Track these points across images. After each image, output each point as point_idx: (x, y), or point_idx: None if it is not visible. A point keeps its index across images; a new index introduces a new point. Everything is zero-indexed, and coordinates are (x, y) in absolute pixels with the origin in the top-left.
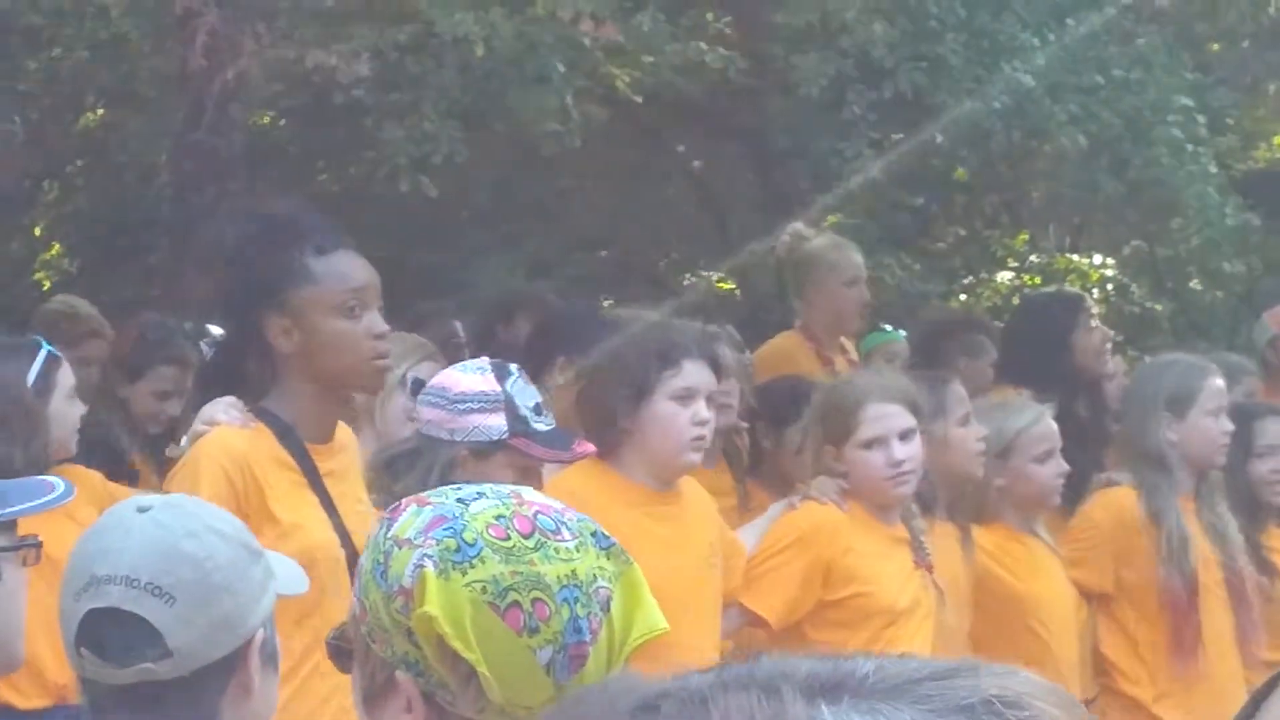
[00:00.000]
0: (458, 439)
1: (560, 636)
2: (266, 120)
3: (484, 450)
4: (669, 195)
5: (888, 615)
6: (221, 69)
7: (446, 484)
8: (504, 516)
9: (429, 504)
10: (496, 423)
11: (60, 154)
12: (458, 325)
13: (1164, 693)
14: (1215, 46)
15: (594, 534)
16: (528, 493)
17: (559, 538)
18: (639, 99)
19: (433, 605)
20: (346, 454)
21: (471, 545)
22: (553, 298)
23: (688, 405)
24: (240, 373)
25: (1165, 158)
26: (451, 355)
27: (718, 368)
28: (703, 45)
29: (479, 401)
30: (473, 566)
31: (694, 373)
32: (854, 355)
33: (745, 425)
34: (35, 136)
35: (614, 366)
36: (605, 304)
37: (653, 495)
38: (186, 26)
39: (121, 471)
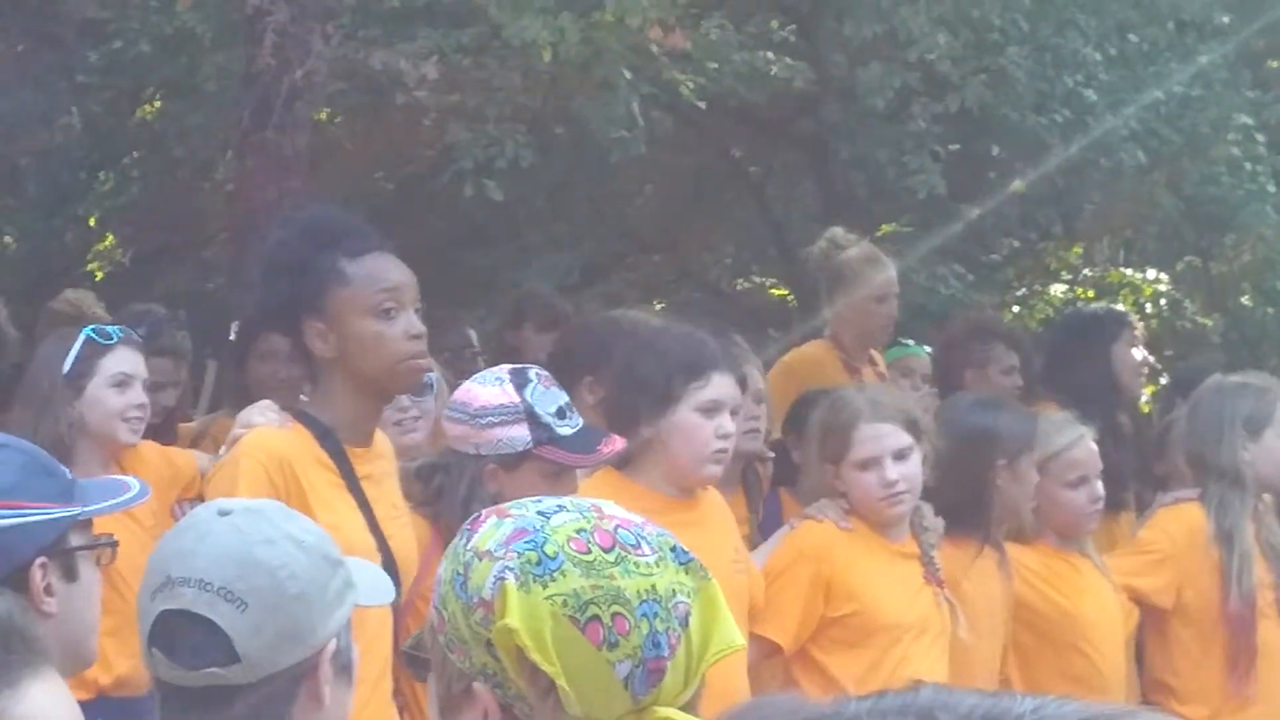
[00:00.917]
0: (483, 453)
1: (639, 651)
2: (323, 116)
3: (511, 462)
4: (725, 200)
5: (892, 632)
6: (289, 68)
7: (475, 497)
8: (585, 530)
9: (509, 516)
10: (520, 434)
11: (116, 145)
12: (471, 334)
13: (1217, 713)
14: (1275, 64)
15: (673, 549)
16: (608, 507)
17: (639, 552)
18: (702, 105)
19: (513, 618)
20: (384, 460)
21: (553, 559)
22: (562, 303)
23: (712, 418)
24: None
25: (1224, 175)
26: (466, 364)
27: (744, 382)
28: (769, 55)
29: (499, 414)
30: (554, 580)
31: (721, 385)
32: (882, 367)
33: (770, 455)
34: (92, 127)
35: (640, 374)
36: (657, 307)
37: (673, 503)
38: (255, 24)
39: None
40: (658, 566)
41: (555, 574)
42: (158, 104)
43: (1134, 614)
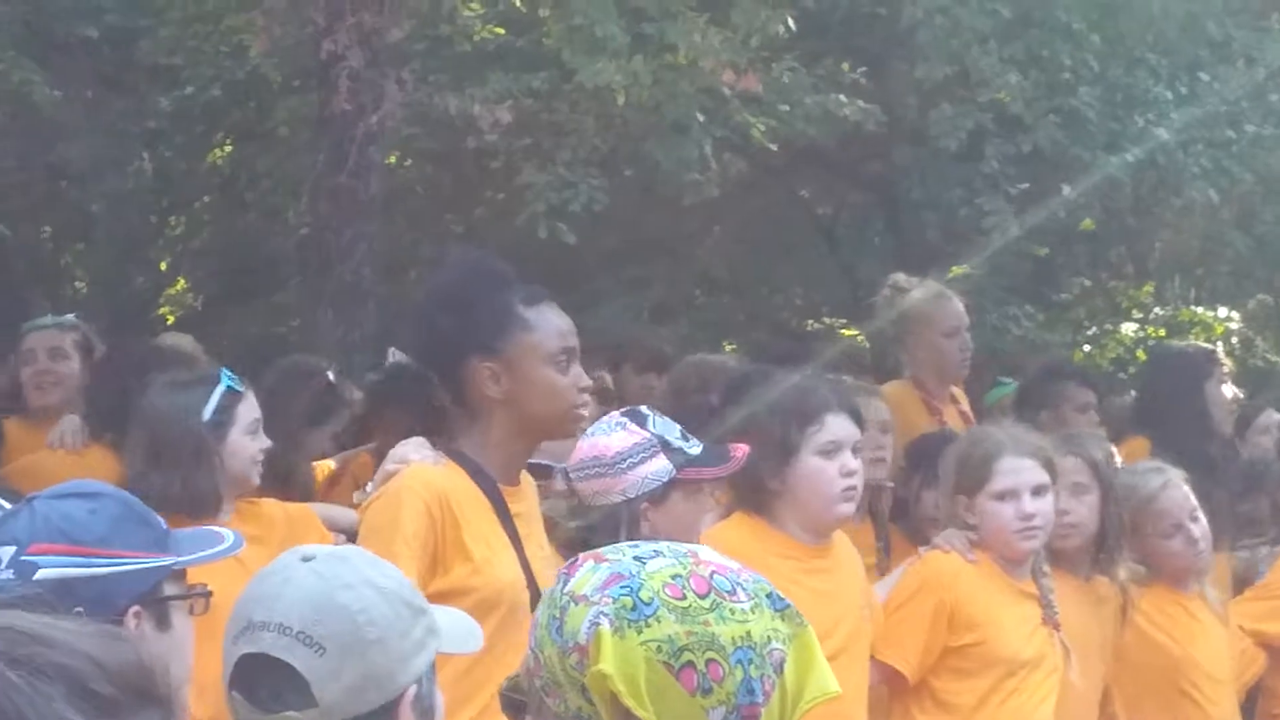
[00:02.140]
0: (631, 495)
1: (733, 697)
2: (393, 160)
3: (658, 494)
4: (795, 241)
5: (1009, 665)
6: (364, 113)
7: (637, 538)
8: (680, 576)
9: (605, 561)
10: (662, 465)
11: (187, 190)
12: (607, 376)
13: None
14: None
15: (769, 595)
16: (704, 552)
17: (734, 598)
18: (774, 147)
19: (607, 663)
20: (531, 500)
21: (648, 604)
22: (662, 345)
23: (834, 458)
24: (436, 413)
25: None
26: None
27: (859, 419)
28: (842, 98)
29: (638, 453)
30: (648, 625)
31: (836, 426)
32: (965, 405)
33: (890, 484)
34: (163, 172)
35: (756, 429)
36: (729, 349)
37: (807, 550)
38: (329, 69)
39: None
40: (753, 613)
41: (650, 620)
42: (228, 149)
43: (1259, 660)
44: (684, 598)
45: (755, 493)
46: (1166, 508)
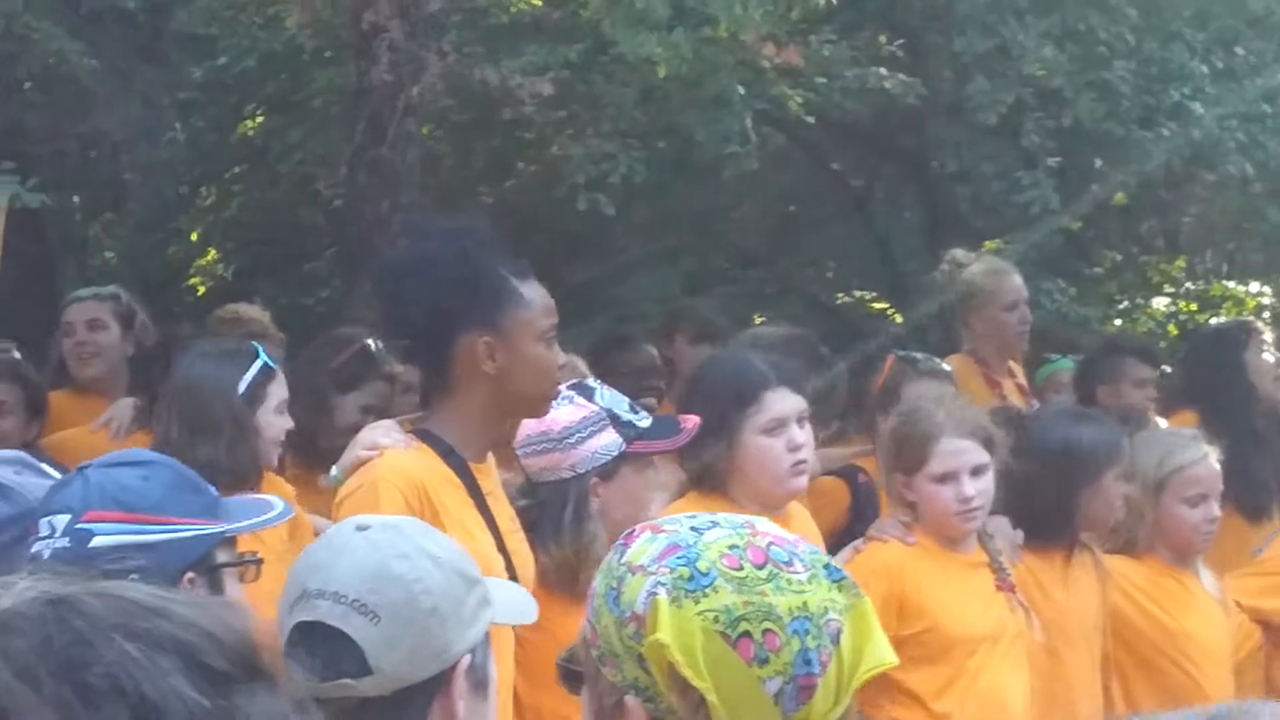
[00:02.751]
0: (581, 470)
1: (790, 668)
2: (425, 132)
3: (607, 469)
4: (827, 215)
5: (968, 645)
6: (404, 84)
7: (584, 516)
8: (737, 547)
9: (663, 531)
10: (611, 439)
11: (219, 161)
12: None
13: None
14: None
15: (826, 566)
16: (761, 523)
17: (791, 569)
18: (811, 120)
19: (665, 633)
20: (495, 475)
21: (705, 574)
22: (714, 315)
23: (778, 435)
24: (425, 387)
25: None
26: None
27: (801, 388)
28: (882, 71)
29: (586, 427)
30: (705, 595)
31: (776, 403)
32: (1022, 379)
33: None
34: (195, 143)
35: (699, 412)
36: (758, 322)
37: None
38: (369, 41)
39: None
40: (810, 584)
41: (707, 590)
42: (260, 120)
43: (1254, 634)
44: (741, 568)
45: (706, 472)
46: (1201, 476)
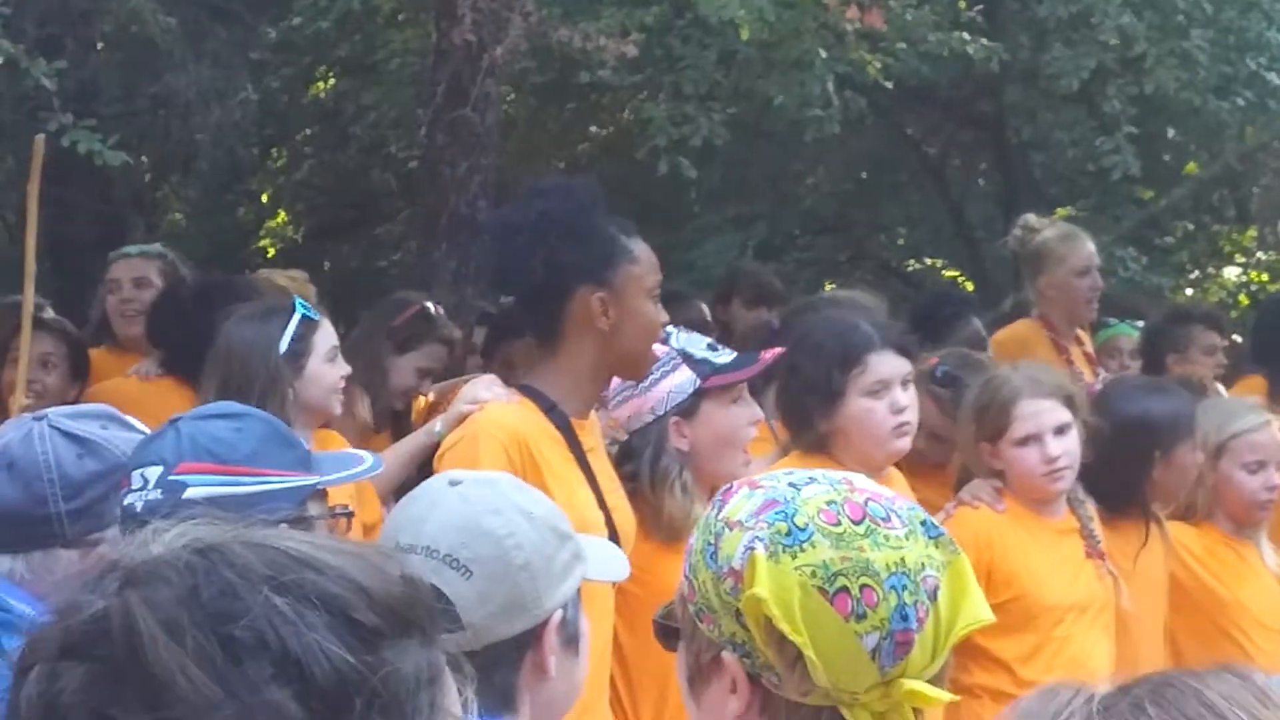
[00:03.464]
0: (660, 412)
1: (886, 623)
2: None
3: (689, 408)
4: (901, 181)
5: (1054, 613)
6: (486, 45)
7: (663, 453)
8: (835, 502)
9: (760, 487)
10: (685, 377)
11: (290, 122)
12: (704, 306)
13: None
14: None
15: (923, 523)
16: (859, 480)
17: (889, 525)
18: (889, 85)
19: (762, 587)
20: (598, 432)
21: (802, 530)
22: (771, 279)
23: (882, 398)
24: (534, 342)
25: None
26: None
27: (907, 352)
28: (965, 36)
29: (659, 370)
30: (803, 550)
31: (881, 365)
32: (1089, 347)
33: None
34: (266, 104)
35: (800, 375)
36: (828, 288)
37: None
38: (452, 1)
39: None
40: (908, 540)
41: (805, 545)
42: (333, 81)
43: None
44: (839, 523)
45: (808, 433)
46: (1261, 442)
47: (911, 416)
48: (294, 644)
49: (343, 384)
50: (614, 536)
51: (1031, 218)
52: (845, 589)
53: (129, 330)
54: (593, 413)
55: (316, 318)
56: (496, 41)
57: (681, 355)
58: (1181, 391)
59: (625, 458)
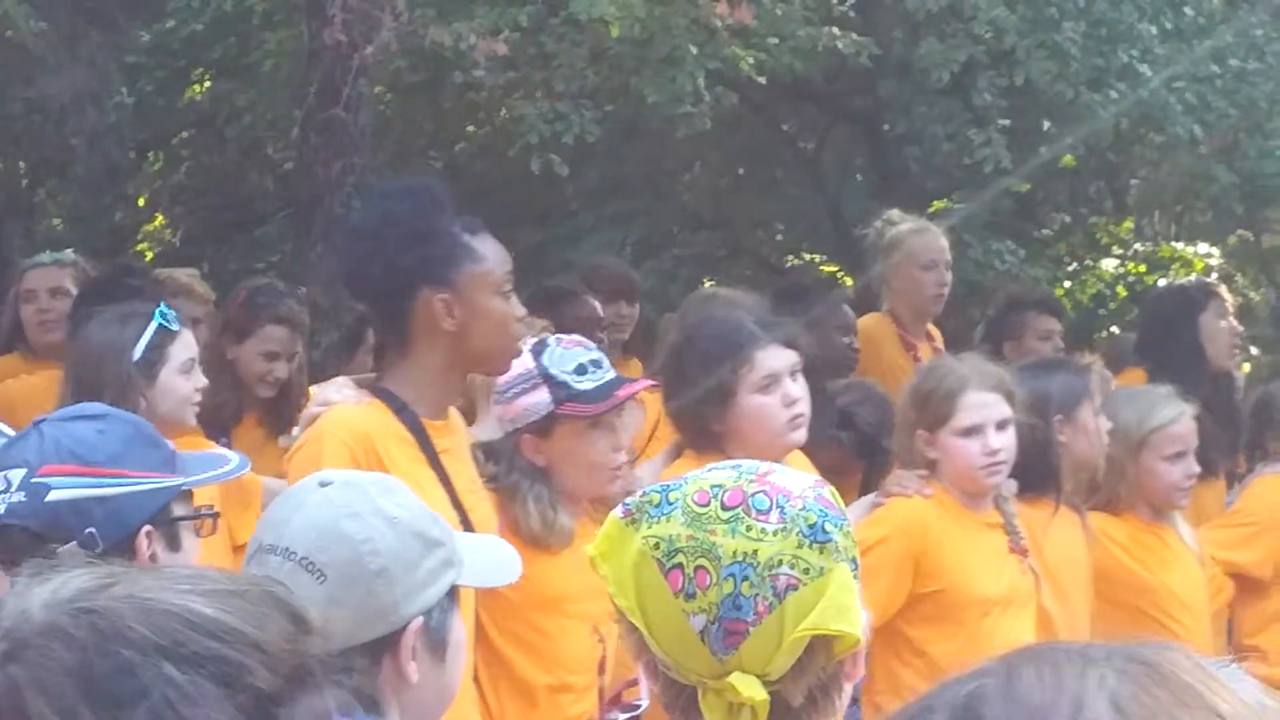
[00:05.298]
0: (516, 425)
1: (715, 608)
2: (376, 94)
3: (543, 427)
4: (777, 177)
5: (982, 606)
6: (356, 44)
7: (514, 468)
8: (721, 486)
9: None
10: (541, 398)
11: (166, 125)
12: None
13: None
14: None
15: (811, 526)
16: (779, 474)
17: (764, 518)
18: (762, 81)
19: (596, 547)
20: (459, 434)
21: (671, 504)
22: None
23: (773, 392)
24: (383, 345)
25: (1279, 150)
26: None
27: (792, 341)
28: (835, 31)
29: (519, 384)
30: (657, 522)
31: (768, 359)
32: (939, 344)
33: None
34: (142, 107)
35: (688, 378)
36: (708, 284)
37: None
38: (322, 2)
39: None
40: (774, 536)
41: (663, 518)
42: (208, 83)
43: (1226, 588)
44: (707, 505)
45: (702, 434)
46: (1179, 432)
47: (804, 408)
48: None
49: (198, 396)
50: None
51: (895, 212)
52: (680, 566)
53: (46, 338)
54: (453, 412)
55: (175, 328)
56: (367, 41)
57: (543, 375)
58: (1069, 364)
59: (490, 457)
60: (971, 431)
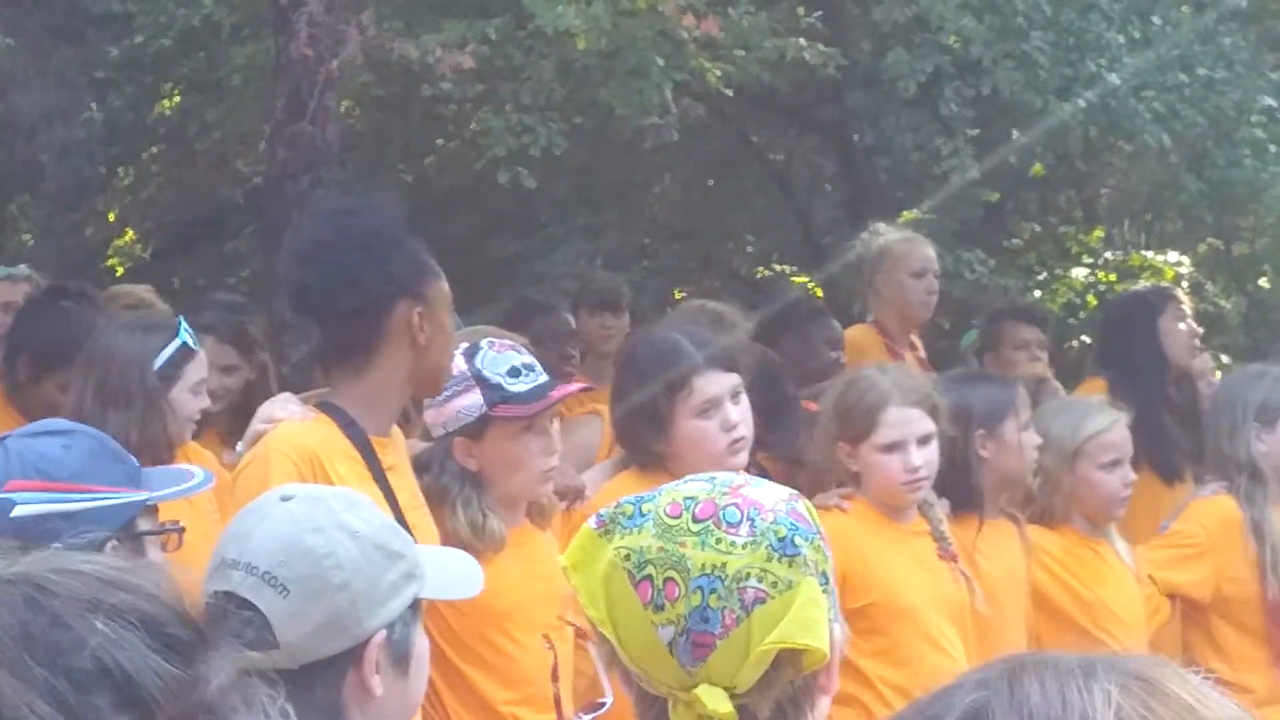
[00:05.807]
0: (449, 429)
1: (683, 620)
2: (344, 108)
3: (475, 430)
4: (747, 188)
5: (912, 615)
6: (323, 59)
7: (446, 472)
8: (693, 499)
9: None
10: (473, 400)
11: (136, 140)
12: (568, 317)
13: (1265, 702)
14: None
15: (781, 539)
16: (753, 487)
17: (734, 531)
18: (729, 92)
19: (569, 557)
20: (401, 449)
21: (643, 515)
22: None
23: (712, 417)
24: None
25: (1247, 158)
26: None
27: (731, 364)
28: (801, 42)
29: (451, 387)
30: (629, 533)
31: (707, 385)
32: (922, 353)
33: None
34: (112, 122)
35: (627, 401)
36: (678, 296)
37: None
38: (288, 15)
39: None
40: (743, 549)
41: (635, 529)
42: (177, 98)
43: (1164, 607)
44: (679, 517)
45: (644, 452)
46: (1115, 440)
47: (745, 431)
48: (129, 666)
49: (198, 416)
50: None
51: (880, 225)
52: (650, 577)
53: None
54: (395, 429)
55: (196, 348)
56: (334, 55)
57: (475, 378)
58: (995, 377)
59: (420, 469)
60: (893, 448)
